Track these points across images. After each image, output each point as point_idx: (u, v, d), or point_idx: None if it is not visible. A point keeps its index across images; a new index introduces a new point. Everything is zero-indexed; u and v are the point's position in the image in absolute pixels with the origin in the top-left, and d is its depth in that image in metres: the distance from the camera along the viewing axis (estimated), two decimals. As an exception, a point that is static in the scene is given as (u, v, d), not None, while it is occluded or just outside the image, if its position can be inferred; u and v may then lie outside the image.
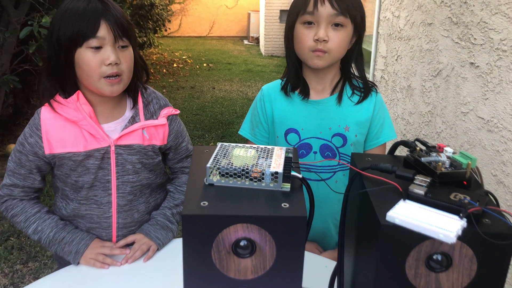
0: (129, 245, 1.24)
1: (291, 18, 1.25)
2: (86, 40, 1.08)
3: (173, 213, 1.30)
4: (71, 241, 1.19)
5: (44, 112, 1.16)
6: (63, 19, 1.09)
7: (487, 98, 1.88)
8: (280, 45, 9.78)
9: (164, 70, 7.58)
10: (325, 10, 1.17)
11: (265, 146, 0.77)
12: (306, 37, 1.21)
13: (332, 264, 1.17)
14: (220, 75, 7.49)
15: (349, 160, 1.30)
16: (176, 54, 9.24)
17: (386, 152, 0.86)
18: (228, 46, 10.93)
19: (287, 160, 0.72)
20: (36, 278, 2.29)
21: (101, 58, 1.09)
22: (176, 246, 1.26)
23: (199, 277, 0.65)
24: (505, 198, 1.74)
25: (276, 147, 0.76)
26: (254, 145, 0.77)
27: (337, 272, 0.81)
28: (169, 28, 10.26)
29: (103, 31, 1.08)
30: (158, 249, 1.23)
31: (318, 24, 1.19)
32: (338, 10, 1.17)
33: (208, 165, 0.69)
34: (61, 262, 1.28)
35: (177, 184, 1.36)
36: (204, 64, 8.35)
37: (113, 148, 1.18)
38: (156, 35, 8.49)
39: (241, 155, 0.72)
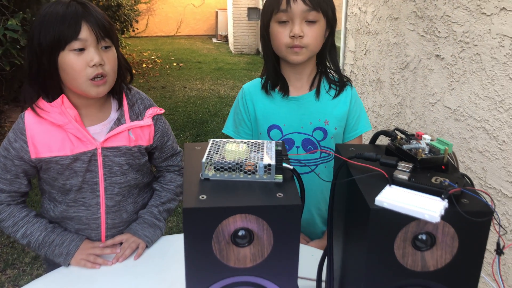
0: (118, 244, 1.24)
1: (266, 18, 1.29)
2: (68, 42, 1.08)
3: (159, 210, 1.31)
4: (61, 243, 1.19)
5: (28, 116, 1.15)
6: (43, 24, 1.08)
7: (453, 89, 1.97)
8: (249, 42, 9.82)
9: (134, 71, 7.46)
10: (298, 7, 1.22)
11: (255, 140, 0.80)
12: (282, 34, 1.25)
13: (318, 252, 1.22)
14: (190, 74, 7.46)
15: (330, 153, 1.35)
16: (145, 54, 9.14)
17: (368, 142, 0.91)
18: (197, 44, 10.89)
19: (278, 153, 0.75)
20: (16, 285, 2.24)
21: (85, 60, 1.09)
22: (165, 243, 1.28)
23: (201, 267, 0.67)
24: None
25: (265, 141, 0.80)
26: (244, 140, 0.80)
27: (327, 257, 0.85)
28: (137, 29, 10.12)
29: (85, 32, 1.08)
30: (147, 247, 1.25)
31: (292, 21, 1.23)
32: (310, 5, 1.22)
33: (203, 160, 0.71)
34: (50, 263, 1.27)
35: (163, 182, 1.37)
36: (174, 64, 8.29)
37: (99, 150, 1.19)
38: (123, 35, 8.36)
39: (233, 149, 0.75)
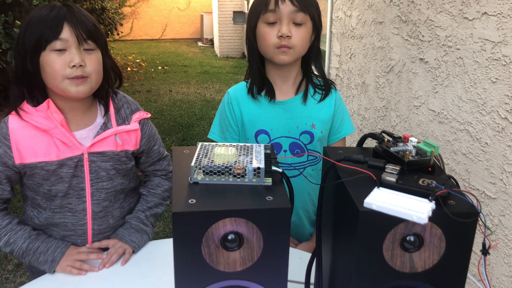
0: (104, 249, 1.23)
1: (253, 19, 1.29)
2: (49, 42, 1.07)
3: (146, 215, 1.30)
4: (46, 250, 1.17)
5: (12, 121, 1.14)
6: (28, 26, 1.08)
7: (437, 92, 2.00)
8: (235, 46, 9.83)
9: (118, 75, 7.41)
10: (286, 7, 1.22)
11: (244, 144, 0.80)
12: (269, 35, 1.25)
13: (306, 255, 1.22)
14: (176, 77, 7.43)
15: (317, 156, 1.36)
16: (129, 57, 9.08)
17: (352, 144, 0.92)
18: (182, 48, 10.85)
19: (267, 156, 0.75)
20: (-3, 294, 2.20)
21: (65, 60, 1.09)
22: (153, 248, 1.27)
23: (190, 272, 0.67)
24: (458, 184, 1.86)
25: (254, 144, 0.80)
26: (233, 144, 0.80)
27: (316, 259, 0.85)
28: (121, 32, 10.05)
29: (66, 33, 1.08)
30: (134, 252, 1.23)
31: (280, 22, 1.24)
32: (298, 7, 1.23)
33: (192, 164, 0.71)
34: (33, 271, 1.25)
35: (149, 187, 1.36)
36: (159, 67, 8.25)
37: (86, 155, 1.17)
38: (107, 39, 8.30)
39: (222, 153, 0.75)
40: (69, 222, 1.22)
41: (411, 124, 2.25)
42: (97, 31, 1.14)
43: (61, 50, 1.08)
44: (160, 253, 1.24)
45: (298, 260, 1.19)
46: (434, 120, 2.03)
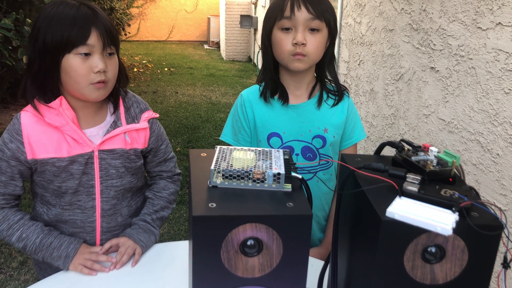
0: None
1: (268, 25, 1.29)
2: (76, 46, 1.08)
3: (153, 218, 1.30)
4: (59, 246, 1.16)
5: (24, 117, 1.14)
6: (50, 24, 1.07)
7: (447, 101, 1.99)
8: (241, 50, 9.84)
9: (125, 75, 7.42)
10: (302, 14, 1.22)
11: (262, 148, 0.79)
12: (285, 41, 1.25)
13: (318, 262, 1.21)
14: (182, 79, 7.43)
15: (329, 161, 1.35)
16: (136, 58, 9.09)
17: (363, 151, 0.91)
18: (189, 50, 10.87)
19: (286, 162, 0.75)
20: (1, 291, 2.19)
21: (89, 65, 1.09)
22: (162, 251, 1.26)
23: (208, 276, 0.66)
24: (467, 195, 1.85)
25: (273, 149, 0.79)
26: (251, 148, 0.79)
27: (331, 268, 0.84)
28: (129, 32, 10.07)
29: (94, 38, 1.09)
30: (142, 252, 1.22)
31: (295, 29, 1.23)
32: (314, 14, 1.22)
33: (212, 167, 0.70)
34: (41, 267, 1.25)
35: (155, 190, 1.36)
36: (165, 69, 8.26)
37: (96, 153, 1.18)
38: (115, 39, 8.31)
39: (241, 157, 0.74)
40: (78, 219, 1.22)
41: (420, 133, 2.24)
42: (117, 35, 1.16)
43: (86, 54, 1.09)
44: (170, 256, 1.24)
45: (310, 267, 1.17)
46: (444, 129, 2.02)
